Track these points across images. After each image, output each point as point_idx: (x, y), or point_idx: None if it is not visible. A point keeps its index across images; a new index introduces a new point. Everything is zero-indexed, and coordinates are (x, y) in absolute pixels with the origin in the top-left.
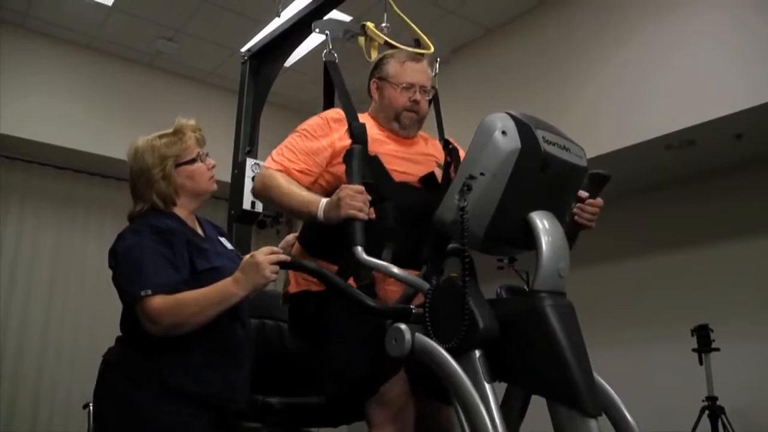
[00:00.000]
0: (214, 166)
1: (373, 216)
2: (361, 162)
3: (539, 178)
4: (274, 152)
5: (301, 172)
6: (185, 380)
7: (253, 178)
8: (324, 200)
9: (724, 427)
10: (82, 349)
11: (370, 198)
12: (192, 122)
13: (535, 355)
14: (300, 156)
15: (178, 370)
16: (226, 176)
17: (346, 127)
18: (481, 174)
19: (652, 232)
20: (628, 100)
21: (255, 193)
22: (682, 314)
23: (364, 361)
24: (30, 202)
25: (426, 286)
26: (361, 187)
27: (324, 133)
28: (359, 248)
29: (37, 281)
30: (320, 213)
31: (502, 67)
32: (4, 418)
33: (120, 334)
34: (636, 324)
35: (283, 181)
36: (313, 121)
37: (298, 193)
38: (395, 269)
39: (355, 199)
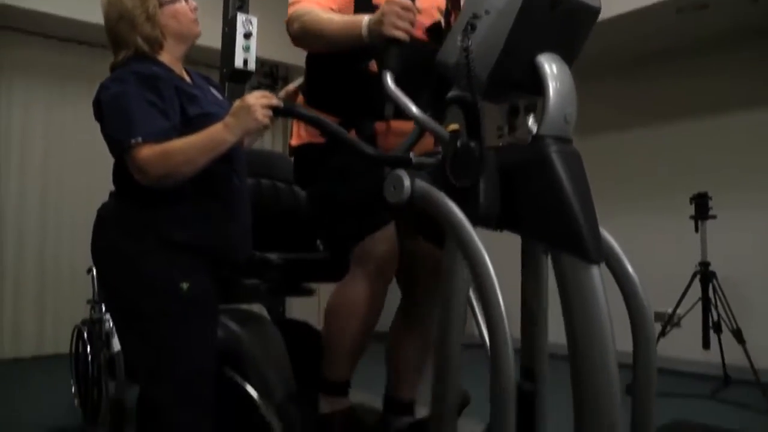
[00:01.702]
0: (196, 9)
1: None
2: None
3: (549, 17)
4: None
5: (329, 8)
6: (180, 232)
7: (246, 35)
8: (367, 18)
9: (714, 290)
10: (80, 220)
11: (415, 16)
12: None
13: (540, 201)
14: None
15: (173, 221)
16: (217, 41)
17: None
18: (486, 12)
19: (657, 102)
20: None
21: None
22: (684, 183)
23: (361, 197)
24: (18, 75)
25: (446, 134)
26: (409, 2)
27: None
28: (389, 73)
29: (30, 155)
30: (365, 32)
31: None
32: (11, 296)
33: (113, 188)
34: (638, 193)
35: (320, 11)
36: None
37: (338, 18)
38: (416, 109)
39: (401, 18)
